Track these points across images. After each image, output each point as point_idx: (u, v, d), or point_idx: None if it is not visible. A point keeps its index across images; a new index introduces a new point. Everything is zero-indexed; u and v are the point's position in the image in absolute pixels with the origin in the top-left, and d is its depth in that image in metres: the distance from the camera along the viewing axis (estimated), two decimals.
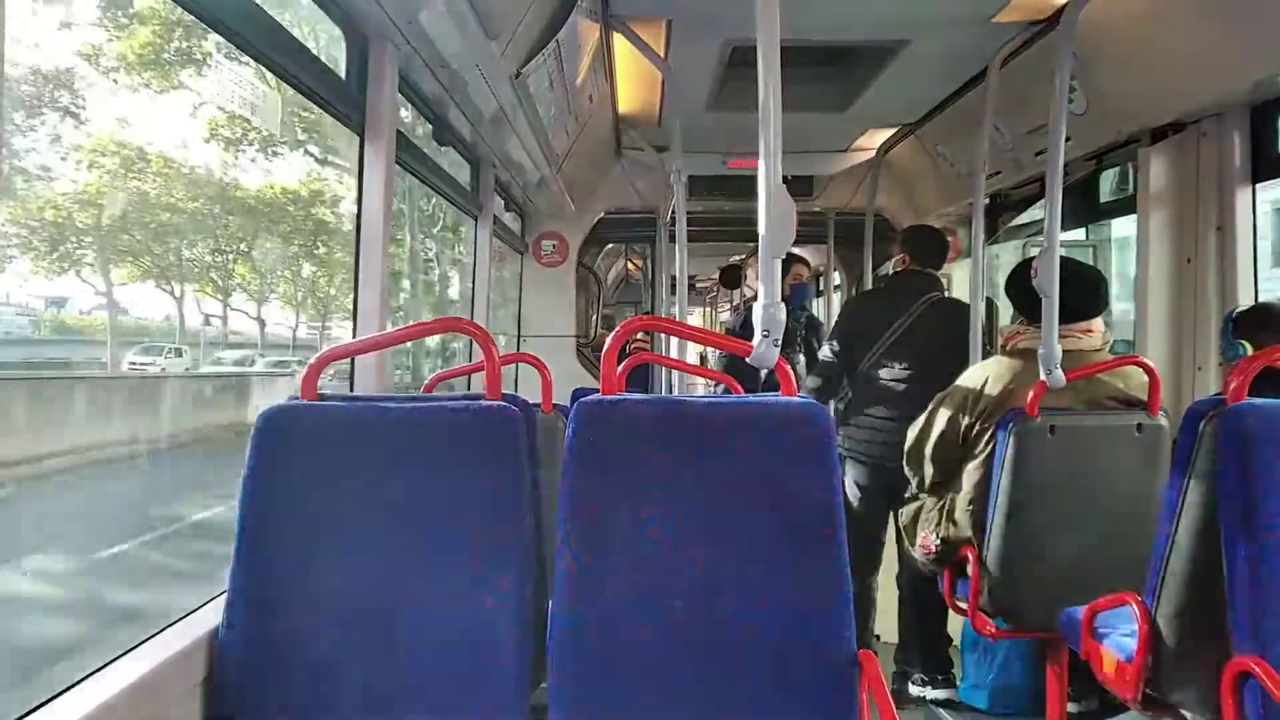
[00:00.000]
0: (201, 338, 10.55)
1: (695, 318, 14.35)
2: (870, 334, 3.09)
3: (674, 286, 3.21)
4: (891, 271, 3.39)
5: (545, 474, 1.53)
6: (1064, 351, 2.16)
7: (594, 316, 7.14)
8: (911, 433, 2.45)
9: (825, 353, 3.25)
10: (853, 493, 3.11)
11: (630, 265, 9.11)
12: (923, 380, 2.95)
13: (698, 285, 11.24)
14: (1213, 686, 1.41)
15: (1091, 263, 3.17)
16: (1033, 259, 2.25)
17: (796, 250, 5.64)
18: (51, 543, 4.69)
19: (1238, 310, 2.19)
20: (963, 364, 2.85)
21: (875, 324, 3.10)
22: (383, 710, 1.29)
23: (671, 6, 2.59)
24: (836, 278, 5.83)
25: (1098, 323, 2.32)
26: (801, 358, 4.29)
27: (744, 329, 4.96)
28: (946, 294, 3.22)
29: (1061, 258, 2.20)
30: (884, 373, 3.07)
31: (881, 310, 3.13)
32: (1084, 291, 2.28)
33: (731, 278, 7.04)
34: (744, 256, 8.35)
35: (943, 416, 2.33)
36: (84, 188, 7.47)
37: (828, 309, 5.72)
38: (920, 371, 2.99)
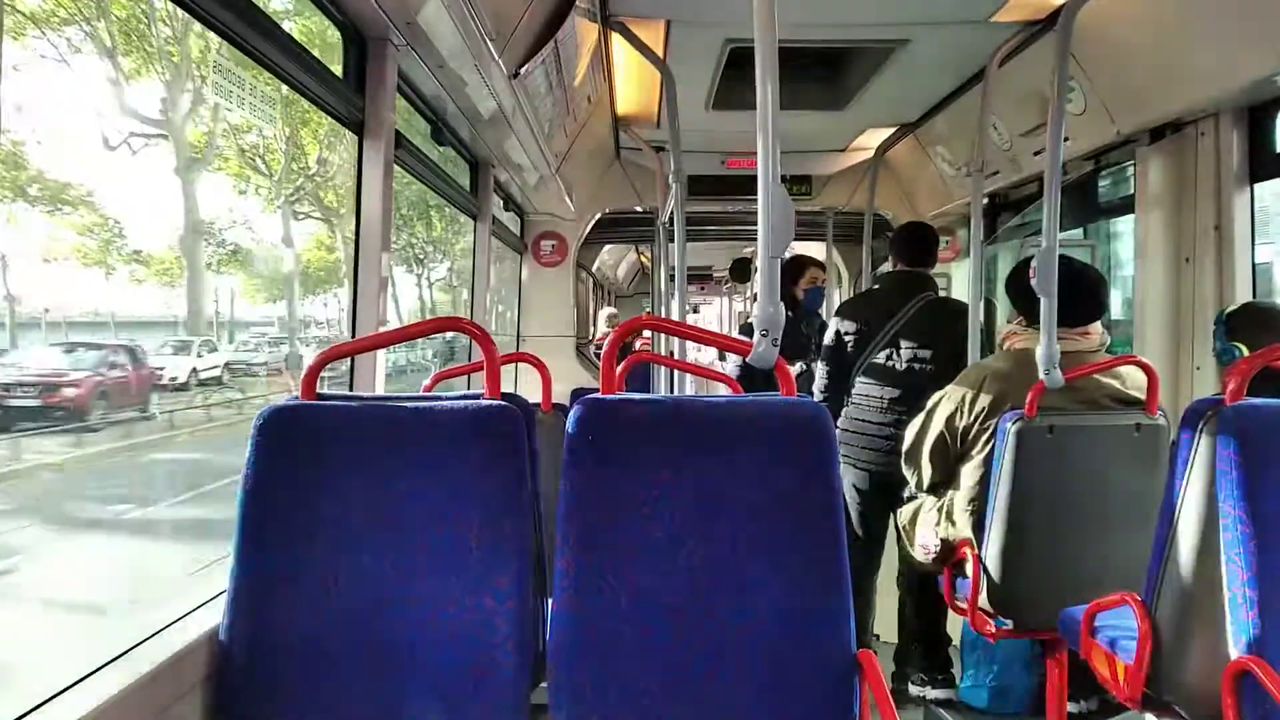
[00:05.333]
0: None
1: (712, 309, 14.27)
2: (862, 337, 3.07)
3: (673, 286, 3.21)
4: (885, 272, 3.38)
5: (545, 474, 1.53)
6: (1062, 352, 2.16)
7: (607, 312, 7.15)
8: (910, 432, 2.45)
9: (828, 339, 3.21)
10: (850, 495, 3.10)
11: (643, 258, 9.11)
12: (916, 382, 2.95)
13: (715, 275, 11.20)
14: (1212, 686, 1.41)
15: (1089, 262, 3.16)
16: (1031, 258, 2.25)
17: (811, 252, 5.61)
18: None
19: (1227, 311, 2.17)
20: (955, 364, 2.85)
21: (867, 327, 3.07)
22: (382, 709, 1.29)
23: (670, 7, 2.59)
24: (836, 277, 5.83)
25: (1095, 324, 2.31)
26: (819, 365, 4.00)
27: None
28: (942, 293, 3.19)
29: (1062, 258, 2.20)
30: (876, 375, 3.05)
31: (874, 313, 3.09)
32: (1083, 295, 2.27)
33: (742, 271, 7.05)
34: (756, 250, 8.33)
35: (940, 416, 2.33)
36: None
37: (827, 309, 5.72)
38: (913, 373, 2.97)
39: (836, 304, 5.62)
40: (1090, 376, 2.18)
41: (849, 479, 3.08)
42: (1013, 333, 2.38)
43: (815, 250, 6.10)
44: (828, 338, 3.21)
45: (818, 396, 3.18)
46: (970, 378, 2.34)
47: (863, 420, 3.06)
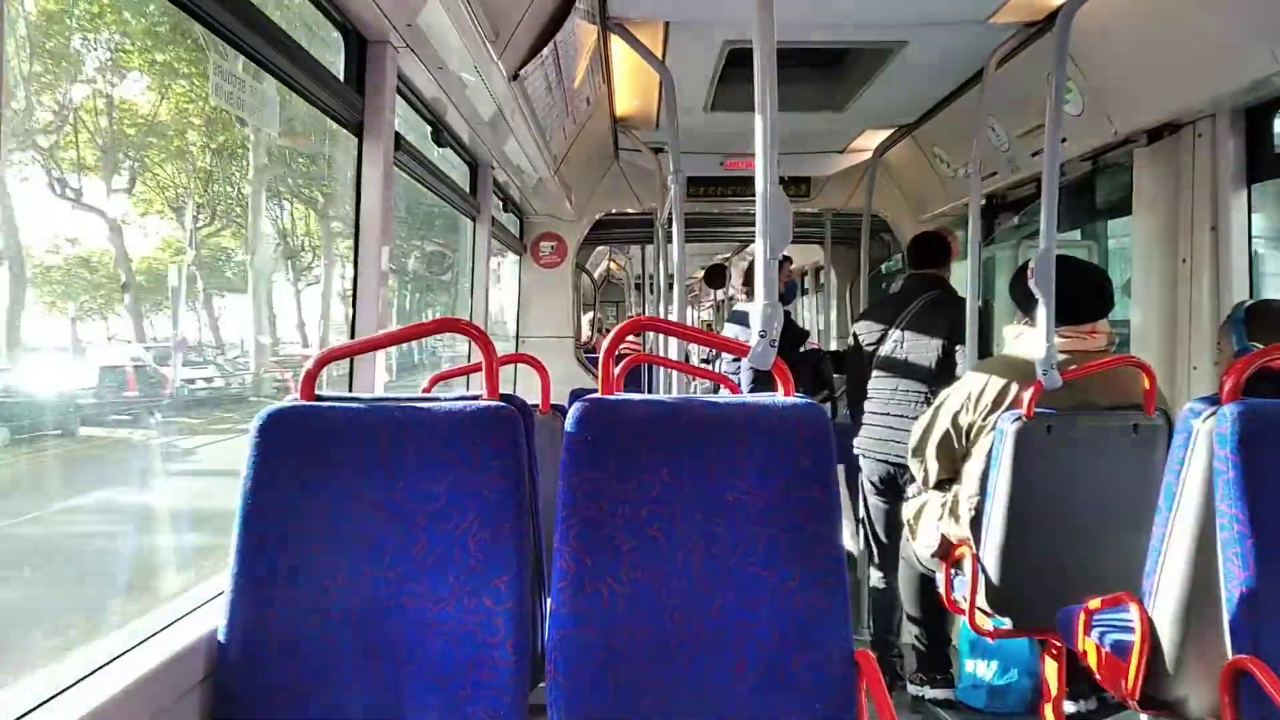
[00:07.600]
0: None
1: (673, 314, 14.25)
2: (880, 338, 3.22)
3: (671, 287, 3.22)
4: (902, 274, 3.51)
5: (544, 474, 1.53)
6: (1069, 352, 2.17)
7: (589, 316, 7.15)
8: (916, 429, 2.46)
9: (849, 342, 3.44)
10: (865, 488, 3.26)
11: (613, 265, 9.11)
12: (918, 374, 3.08)
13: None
14: (1210, 685, 1.42)
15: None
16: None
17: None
18: None
19: (1246, 305, 2.13)
20: (949, 352, 2.95)
21: (883, 328, 3.22)
22: (382, 710, 1.30)
23: (669, 8, 2.60)
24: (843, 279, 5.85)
25: (1103, 324, 2.31)
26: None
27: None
28: (949, 293, 3.25)
29: (1066, 258, 2.21)
30: (884, 369, 3.18)
31: (886, 314, 3.26)
32: (1087, 293, 2.27)
33: (716, 277, 7.10)
34: (728, 256, 8.34)
35: (946, 413, 2.33)
36: None
37: (826, 309, 5.74)
38: (915, 365, 3.09)
39: (833, 307, 5.68)
40: (1094, 378, 2.18)
41: (864, 471, 3.26)
42: (1019, 333, 2.39)
43: (812, 251, 6.12)
44: (849, 341, 3.41)
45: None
46: (976, 375, 2.34)
47: (871, 413, 3.20)
